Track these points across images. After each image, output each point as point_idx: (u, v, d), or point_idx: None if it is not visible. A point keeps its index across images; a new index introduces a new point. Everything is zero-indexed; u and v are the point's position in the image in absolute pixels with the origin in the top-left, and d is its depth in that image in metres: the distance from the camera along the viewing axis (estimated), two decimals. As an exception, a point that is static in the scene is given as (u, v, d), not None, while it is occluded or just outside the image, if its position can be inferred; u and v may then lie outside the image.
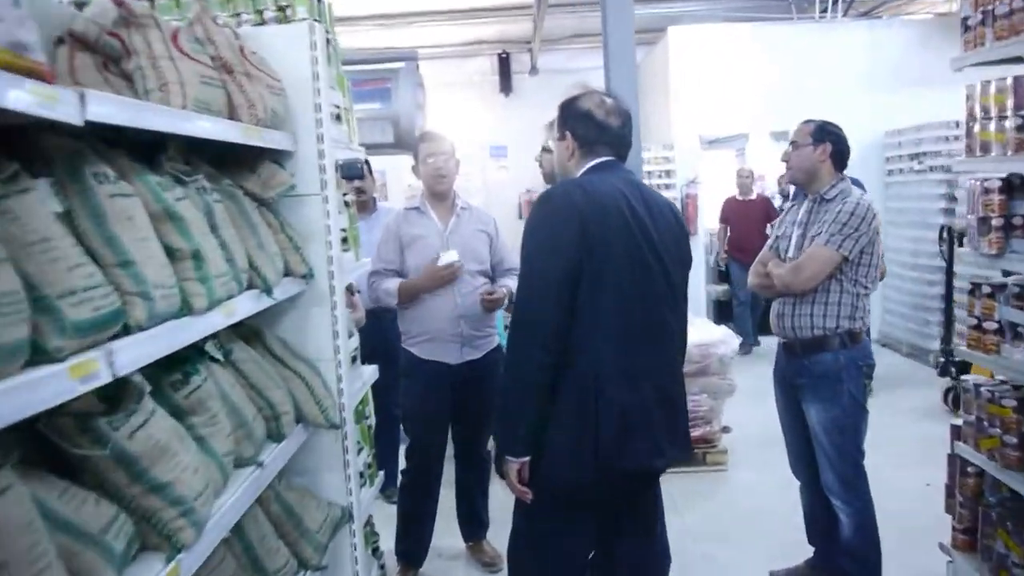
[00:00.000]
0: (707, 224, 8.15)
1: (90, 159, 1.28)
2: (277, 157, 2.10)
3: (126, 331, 1.24)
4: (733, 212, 7.55)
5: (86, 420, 1.20)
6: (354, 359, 2.40)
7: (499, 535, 3.26)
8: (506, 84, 10.28)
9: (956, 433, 2.61)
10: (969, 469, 2.56)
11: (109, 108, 1.22)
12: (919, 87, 7.32)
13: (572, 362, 1.95)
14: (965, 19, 2.44)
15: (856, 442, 2.77)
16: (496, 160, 10.16)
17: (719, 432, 4.51)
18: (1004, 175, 2.34)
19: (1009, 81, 2.27)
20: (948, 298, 5.60)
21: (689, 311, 2.24)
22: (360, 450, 2.40)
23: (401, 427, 3.53)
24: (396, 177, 8.56)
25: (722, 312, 7.95)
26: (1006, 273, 2.52)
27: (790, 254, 2.86)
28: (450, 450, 3.38)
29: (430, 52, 8.79)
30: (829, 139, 2.79)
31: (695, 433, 4.02)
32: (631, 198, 2.02)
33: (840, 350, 2.72)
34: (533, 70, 10.18)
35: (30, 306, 1.03)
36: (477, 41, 9.74)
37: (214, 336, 1.69)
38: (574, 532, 2.10)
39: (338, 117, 2.30)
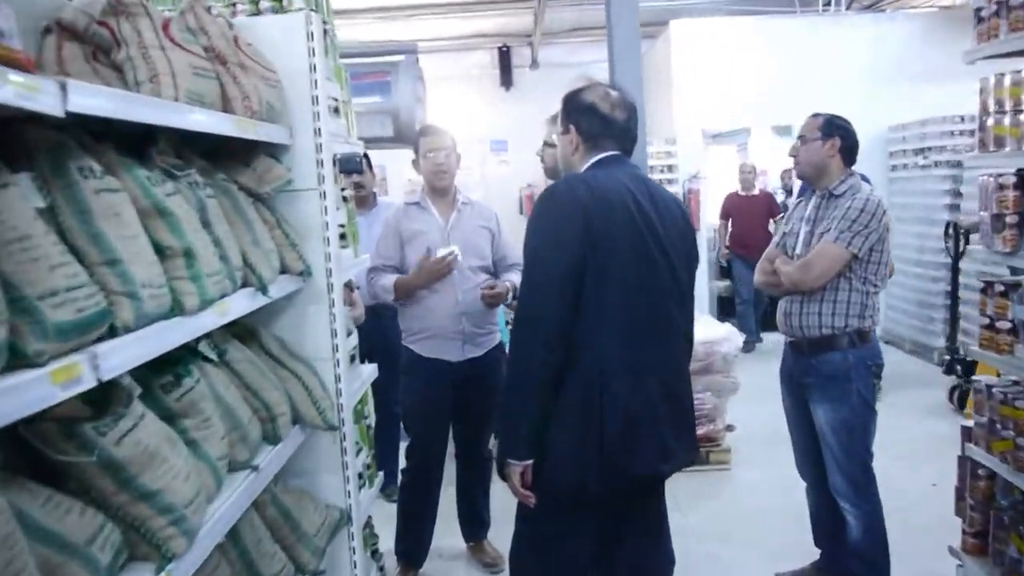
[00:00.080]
0: (710, 219, 8.08)
1: (75, 153, 1.23)
2: (273, 151, 2.04)
3: (112, 333, 1.18)
4: (735, 208, 7.48)
5: (71, 425, 1.15)
6: (353, 358, 2.35)
7: (500, 535, 3.23)
8: (506, 78, 10.22)
9: (967, 435, 2.56)
10: (980, 472, 2.52)
11: (94, 99, 1.16)
12: (923, 81, 7.28)
13: (576, 358, 1.92)
14: (978, 10, 2.39)
15: (865, 443, 2.72)
16: (496, 154, 10.11)
17: (723, 430, 4.47)
18: (1018, 170, 2.29)
19: (1025, 74, 2.22)
20: (953, 295, 5.55)
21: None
22: (359, 451, 2.35)
23: (401, 425, 3.49)
24: (396, 171, 8.50)
25: (725, 308, 7.90)
26: (1014, 271, 2.47)
27: (798, 251, 2.81)
28: (451, 449, 3.34)
29: (430, 45, 8.73)
30: (838, 133, 2.74)
31: (699, 431, 3.97)
32: (637, 193, 1.99)
33: (849, 349, 2.68)
34: (534, 64, 10.13)
35: (8, 307, 0.98)
36: (477, 34, 9.67)
37: (208, 335, 1.64)
38: (577, 535, 2.07)
39: (336, 110, 2.25)
